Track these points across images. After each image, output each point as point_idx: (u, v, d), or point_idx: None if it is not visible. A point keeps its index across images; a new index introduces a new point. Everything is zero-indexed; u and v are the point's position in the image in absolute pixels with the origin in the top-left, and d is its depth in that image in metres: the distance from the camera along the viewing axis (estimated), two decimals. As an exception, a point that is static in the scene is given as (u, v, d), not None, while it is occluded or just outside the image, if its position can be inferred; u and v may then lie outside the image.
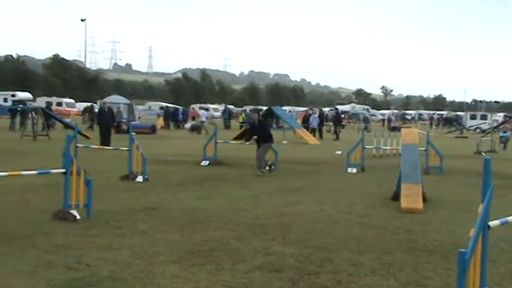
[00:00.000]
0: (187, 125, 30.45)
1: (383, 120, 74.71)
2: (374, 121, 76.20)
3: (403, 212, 10.82)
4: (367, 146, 19.46)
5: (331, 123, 46.80)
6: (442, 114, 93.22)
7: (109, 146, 21.81)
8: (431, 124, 64.96)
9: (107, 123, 25.27)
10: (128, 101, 51.58)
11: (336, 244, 8.08)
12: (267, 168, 17.03)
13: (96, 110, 56.65)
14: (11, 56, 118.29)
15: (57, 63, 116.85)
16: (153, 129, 39.02)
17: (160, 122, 50.07)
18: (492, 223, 5.43)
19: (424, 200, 11.61)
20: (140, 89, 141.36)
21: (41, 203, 10.67)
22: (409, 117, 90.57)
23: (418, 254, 7.68)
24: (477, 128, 57.10)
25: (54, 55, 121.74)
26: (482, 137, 31.68)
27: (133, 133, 14.95)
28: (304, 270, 6.72)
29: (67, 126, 35.85)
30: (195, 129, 41.90)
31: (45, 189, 12.19)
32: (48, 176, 12.36)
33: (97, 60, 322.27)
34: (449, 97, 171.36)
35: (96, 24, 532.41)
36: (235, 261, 7.00)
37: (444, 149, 21.34)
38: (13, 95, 74.72)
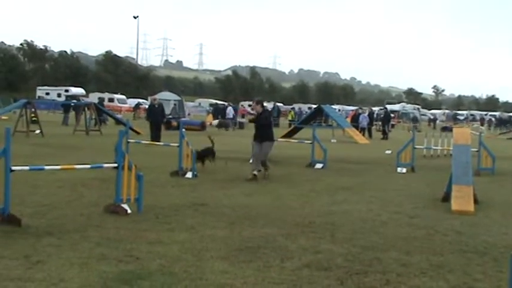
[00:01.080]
0: (215, 122, 30.37)
1: (429, 120, 73.12)
2: (424, 121, 75.02)
3: (454, 213, 10.67)
4: (417, 146, 19.23)
5: (380, 123, 46.41)
6: (495, 115, 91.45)
7: (159, 142, 22.04)
8: (482, 125, 63.67)
9: (156, 119, 25.51)
10: (178, 98, 52.09)
11: (384, 244, 8.03)
12: (262, 171, 14.81)
13: (145, 106, 57.81)
14: (65, 52, 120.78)
15: (110, 59, 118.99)
16: (202, 126, 39.32)
17: (209, 118, 50.41)
18: (546, 226, 5.33)
19: (475, 201, 11.42)
20: (190, 86, 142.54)
21: (93, 196, 10.88)
22: (461, 117, 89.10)
23: (469, 256, 7.57)
24: (531, 129, 55.80)
25: (106, 51, 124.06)
26: (536, 138, 31.00)
27: (184, 129, 15.09)
28: (353, 269, 6.69)
29: (119, 121, 36.48)
30: (223, 125, 41.73)
31: (98, 183, 12.42)
32: (101, 171, 12.65)
33: (148, 57, 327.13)
34: (502, 98, 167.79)
35: (148, 21, 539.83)
36: (283, 258, 7.02)
37: (496, 150, 20.94)
38: (66, 90, 76.39)
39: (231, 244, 7.64)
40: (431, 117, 76.85)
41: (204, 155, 16.13)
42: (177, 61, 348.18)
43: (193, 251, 7.20)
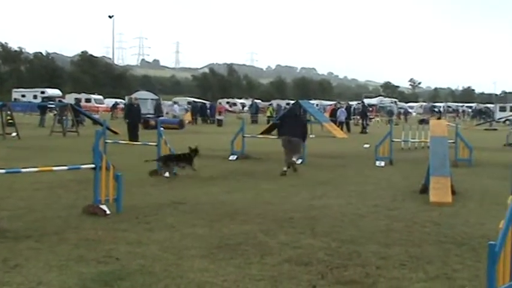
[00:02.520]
0: None
1: (398, 113, 70.21)
2: (408, 115, 75.02)
3: (432, 205, 10.75)
4: (395, 139, 19.34)
5: (358, 117, 46.60)
6: (471, 107, 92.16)
7: (137, 141, 21.98)
8: (457, 117, 63.93)
9: (134, 119, 25.45)
10: (155, 97, 51.90)
11: (363, 237, 8.07)
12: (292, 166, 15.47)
13: (122, 106, 57.53)
14: (40, 53, 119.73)
15: (86, 59, 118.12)
16: (180, 125, 39.21)
17: (187, 117, 50.26)
18: (522, 215, 5.38)
19: (453, 192, 11.52)
20: (168, 85, 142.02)
21: (71, 198, 10.81)
22: (437, 109, 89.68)
23: (447, 246, 7.63)
24: (507, 120, 56.11)
25: (82, 52, 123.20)
26: (512, 129, 31.29)
27: (162, 128, 15.04)
28: (333, 263, 6.72)
29: (96, 122, 36.24)
30: None
31: (75, 185, 12.33)
32: (78, 172, 12.54)
33: (125, 57, 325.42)
34: (478, 89, 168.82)
35: (123, 20, 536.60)
36: (263, 254, 7.02)
37: (473, 141, 21.12)
38: (42, 92, 75.66)
39: (211, 242, 7.63)
40: (402, 110, 76.75)
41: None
42: (154, 60, 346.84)
43: (173, 250, 7.19)
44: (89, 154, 12.64)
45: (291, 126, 15.98)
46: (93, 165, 9.54)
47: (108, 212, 9.26)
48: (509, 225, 5.05)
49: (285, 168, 15.08)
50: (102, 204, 9.36)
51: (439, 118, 41.57)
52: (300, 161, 17.08)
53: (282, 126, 16.66)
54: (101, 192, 9.37)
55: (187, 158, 14.51)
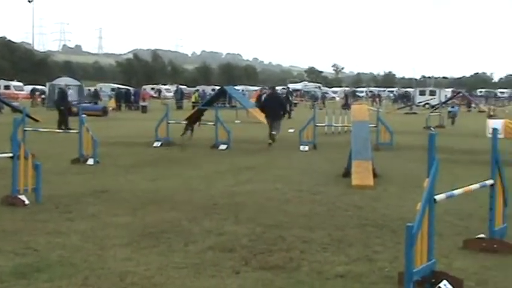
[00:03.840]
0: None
1: (324, 98, 70.98)
2: (327, 99, 76.13)
3: (354, 188, 10.94)
4: (318, 124, 19.58)
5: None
6: (392, 91, 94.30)
7: (68, 128, 21.87)
8: (374, 102, 65.14)
9: (67, 106, 25.08)
10: (77, 83, 50.75)
11: (287, 222, 8.13)
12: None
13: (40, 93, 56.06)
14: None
15: (4, 45, 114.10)
16: (104, 111, 38.49)
17: (111, 103, 49.36)
18: (438, 197, 5.53)
19: (375, 176, 11.76)
20: (90, 71, 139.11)
21: (-12, 188, 10.44)
22: (360, 94, 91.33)
23: (368, 229, 7.78)
24: (426, 103, 57.57)
25: (0, 37, 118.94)
26: (431, 112, 32.18)
27: (84, 115, 14.73)
28: (257, 248, 6.74)
29: (15, 109, 35.13)
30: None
31: (-7, 175, 11.92)
32: (-5, 161, 12.10)
33: (45, 42, 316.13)
34: (398, 74, 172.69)
35: (43, 5, 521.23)
36: (187, 242, 6.98)
37: (394, 125, 21.63)
38: (-41, 79, 72.83)
39: (133, 230, 7.52)
40: (333, 95, 77.66)
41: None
42: (76, 45, 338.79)
43: (94, 239, 7.05)
44: (6, 143, 12.29)
45: (273, 109, 19.57)
46: (10, 154, 9.25)
47: (27, 202, 9.00)
48: (425, 207, 5.18)
49: (270, 141, 18.82)
50: (21, 194, 9.09)
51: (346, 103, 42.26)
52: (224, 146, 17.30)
53: (266, 110, 19.88)
54: (19, 182, 9.10)
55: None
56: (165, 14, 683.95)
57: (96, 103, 47.02)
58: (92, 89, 60.50)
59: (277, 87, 64.07)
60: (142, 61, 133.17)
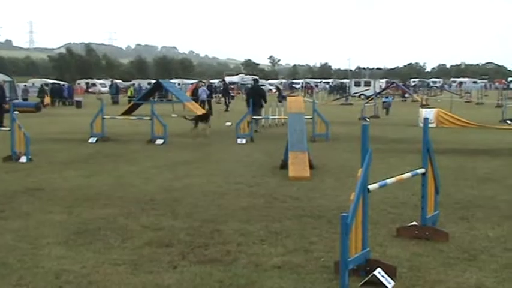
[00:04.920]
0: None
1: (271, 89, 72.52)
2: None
3: (291, 180, 11.05)
4: (255, 117, 19.64)
5: (220, 95, 46.81)
6: (328, 82, 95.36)
7: (2, 126, 21.09)
8: (306, 93, 65.87)
9: (2, 102, 24.25)
10: (9, 79, 49.42)
11: (225, 215, 8.15)
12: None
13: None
14: None
15: None
16: (37, 108, 37.61)
17: (47, 100, 48.21)
18: (371, 186, 5.65)
19: (311, 167, 11.90)
20: (22, 66, 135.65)
21: None
22: (297, 86, 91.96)
23: (305, 220, 7.88)
24: (361, 94, 58.40)
25: None
26: (366, 103, 32.68)
27: (16, 112, 14.37)
28: (194, 243, 6.74)
29: None
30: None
31: None
32: None
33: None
34: (334, 65, 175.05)
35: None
36: (123, 238, 6.92)
37: (330, 116, 21.89)
38: None
39: (69, 228, 7.41)
40: (270, 87, 77.92)
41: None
42: (6, 40, 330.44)
43: (28, 238, 6.91)
44: None
45: (255, 98, 21.15)
46: None
47: (-44, 202, 8.75)
48: (359, 197, 5.29)
49: (256, 129, 20.70)
50: (-50, 194, 8.82)
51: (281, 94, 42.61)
52: (161, 141, 17.16)
53: (249, 99, 21.15)
54: None
55: (206, 117, 21.18)
56: (97, 7, 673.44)
57: (26, 99, 45.89)
58: (21, 85, 58.94)
59: (212, 80, 64.34)
60: (76, 55, 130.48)
